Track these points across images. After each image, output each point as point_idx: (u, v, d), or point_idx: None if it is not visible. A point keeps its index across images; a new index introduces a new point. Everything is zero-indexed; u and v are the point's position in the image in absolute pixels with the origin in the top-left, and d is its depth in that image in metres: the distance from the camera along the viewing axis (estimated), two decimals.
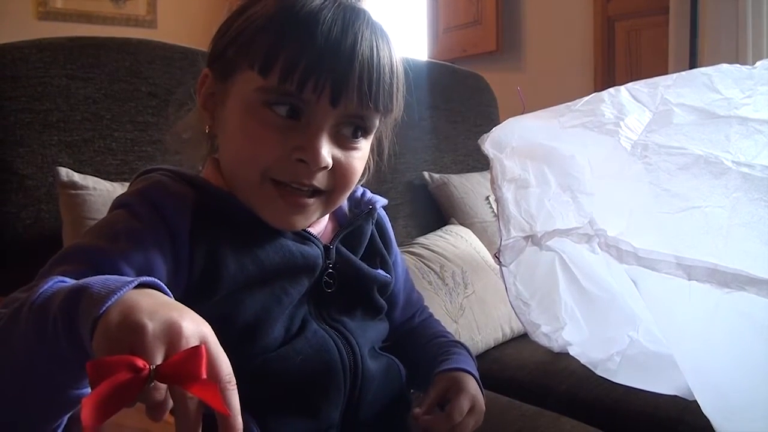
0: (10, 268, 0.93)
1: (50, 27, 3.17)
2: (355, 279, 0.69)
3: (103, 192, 0.94)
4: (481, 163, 1.67)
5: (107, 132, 1.02)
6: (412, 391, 0.76)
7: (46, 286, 0.45)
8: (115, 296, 0.40)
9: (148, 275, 0.53)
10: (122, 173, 1.02)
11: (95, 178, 0.95)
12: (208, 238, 0.59)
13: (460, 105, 1.71)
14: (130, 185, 0.64)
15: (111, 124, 1.02)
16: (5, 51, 0.95)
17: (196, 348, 0.38)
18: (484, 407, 0.71)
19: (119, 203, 0.60)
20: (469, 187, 1.55)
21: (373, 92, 0.59)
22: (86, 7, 3.34)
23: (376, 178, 0.76)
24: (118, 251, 0.53)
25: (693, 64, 2.07)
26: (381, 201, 0.76)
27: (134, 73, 1.06)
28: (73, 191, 0.92)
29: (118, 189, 0.95)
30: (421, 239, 1.37)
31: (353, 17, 0.58)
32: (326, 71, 0.56)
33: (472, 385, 0.71)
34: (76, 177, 0.93)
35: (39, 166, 0.95)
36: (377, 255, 0.74)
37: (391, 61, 0.61)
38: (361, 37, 0.58)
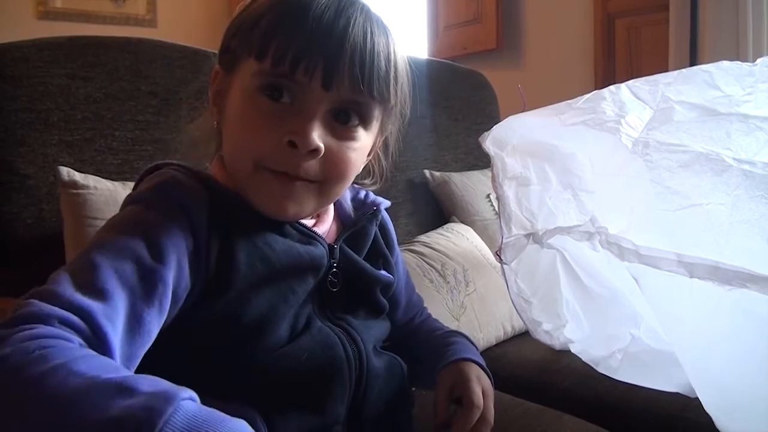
0: (12, 268, 0.93)
1: (50, 26, 3.17)
2: (358, 278, 0.70)
3: (104, 191, 0.93)
4: (481, 161, 1.67)
5: (108, 131, 1.02)
6: (413, 389, 0.76)
7: (64, 372, 0.39)
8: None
9: (180, 273, 0.54)
10: (123, 172, 1.02)
11: (96, 178, 0.95)
12: (221, 236, 0.59)
13: (461, 103, 1.71)
14: (140, 181, 0.64)
15: (112, 124, 1.02)
16: (5, 51, 0.95)
17: None
18: (491, 387, 0.72)
19: (134, 200, 0.59)
20: (470, 185, 1.55)
21: (366, 76, 0.59)
22: (86, 7, 3.33)
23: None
24: (153, 259, 0.53)
25: (693, 62, 2.07)
26: (385, 203, 0.77)
27: (134, 72, 1.06)
28: (75, 191, 0.92)
29: (119, 188, 0.95)
30: (422, 237, 1.37)
31: (347, 4, 0.60)
32: (317, 53, 0.57)
33: (475, 371, 0.72)
34: (77, 176, 0.93)
35: (40, 165, 0.95)
36: (380, 256, 0.75)
37: (387, 50, 0.61)
38: (354, 21, 0.59)
